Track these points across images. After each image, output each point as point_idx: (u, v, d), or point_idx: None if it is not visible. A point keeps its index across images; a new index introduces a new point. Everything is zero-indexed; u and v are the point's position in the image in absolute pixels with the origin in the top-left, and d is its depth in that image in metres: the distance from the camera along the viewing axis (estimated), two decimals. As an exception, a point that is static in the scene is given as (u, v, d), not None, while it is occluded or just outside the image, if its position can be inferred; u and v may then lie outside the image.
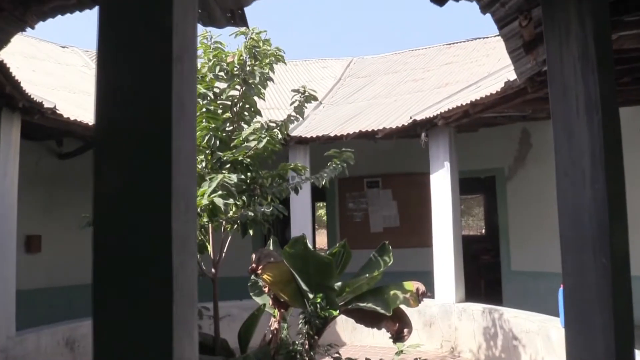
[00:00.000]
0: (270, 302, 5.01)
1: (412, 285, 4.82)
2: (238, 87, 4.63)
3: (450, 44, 12.44)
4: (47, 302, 8.09)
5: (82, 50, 11.86)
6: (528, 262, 8.77)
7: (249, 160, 4.57)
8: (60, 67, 9.71)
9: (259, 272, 4.74)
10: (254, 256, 4.91)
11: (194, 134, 1.11)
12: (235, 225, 4.50)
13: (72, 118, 5.88)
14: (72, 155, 8.29)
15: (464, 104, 6.01)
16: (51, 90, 7.64)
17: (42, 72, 8.64)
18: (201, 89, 4.11)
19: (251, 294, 5.33)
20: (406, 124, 7.00)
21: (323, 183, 5.19)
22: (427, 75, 10.38)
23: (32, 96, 5.12)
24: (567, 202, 1.92)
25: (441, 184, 7.15)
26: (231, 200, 3.99)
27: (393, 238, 10.91)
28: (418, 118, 6.88)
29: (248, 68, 4.56)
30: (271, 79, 5.01)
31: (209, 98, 4.42)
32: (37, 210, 8.08)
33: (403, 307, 4.77)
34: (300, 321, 4.41)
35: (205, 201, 3.95)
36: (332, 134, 7.62)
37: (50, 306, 7.91)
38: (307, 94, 5.22)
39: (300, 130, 8.24)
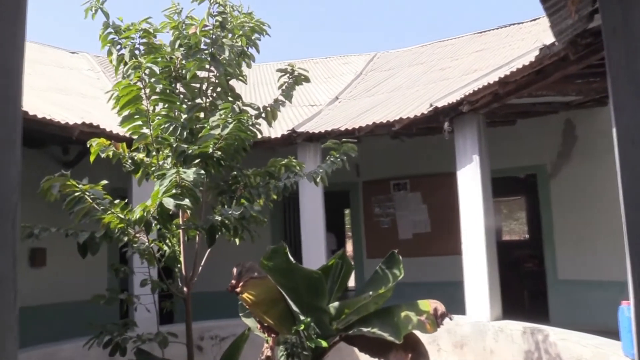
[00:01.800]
0: (259, 326, 4.15)
1: (428, 304, 3.86)
2: (207, 65, 3.81)
3: (481, 32, 11.35)
4: (52, 319, 7.55)
5: (92, 56, 11.42)
6: (578, 270, 7.60)
7: (219, 153, 3.73)
8: (61, 70, 9.21)
9: (238, 290, 3.89)
10: (235, 270, 4.06)
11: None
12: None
13: (47, 117, 5.20)
14: (75, 162, 7.73)
15: (491, 82, 5.00)
16: (39, 92, 7.06)
17: (37, 75, 8.12)
18: (152, 68, 3.31)
19: (240, 314, 4.49)
20: (426, 112, 6.02)
21: (318, 180, 4.30)
22: (454, 64, 9.35)
23: None
24: (635, 185, 1.22)
25: (469, 182, 6.13)
26: (186, 202, 3.15)
27: (424, 245, 9.96)
28: (439, 104, 5.90)
29: (217, 42, 3.73)
30: (249, 56, 4.17)
31: (165, 78, 3.61)
32: (42, 221, 7.51)
33: (418, 332, 3.81)
34: (280, 354, 3.51)
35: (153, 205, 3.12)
36: (342, 128, 6.72)
37: (44, 324, 7.30)
38: (295, 73, 4.36)
39: (309, 125, 7.38)
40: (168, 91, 3.48)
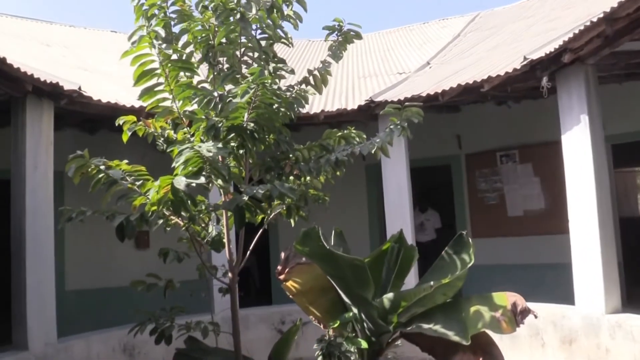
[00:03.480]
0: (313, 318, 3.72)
1: (506, 298, 3.15)
2: (236, 27, 3.38)
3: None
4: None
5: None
6: None
7: (252, 125, 3.31)
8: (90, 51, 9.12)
9: (282, 277, 3.49)
10: (282, 254, 3.67)
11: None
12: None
13: (104, 100, 5.20)
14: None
15: (595, 20, 3.99)
16: (70, 70, 7.01)
17: (71, 56, 8.19)
18: (159, 32, 2.96)
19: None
20: (518, 67, 5.08)
21: (372, 152, 3.71)
22: (566, 14, 8.00)
23: (43, 79, 4.50)
24: None
25: (577, 147, 5.10)
26: (201, 180, 2.78)
27: (537, 222, 8.75)
28: (535, 56, 4.93)
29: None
30: (291, 16, 3.66)
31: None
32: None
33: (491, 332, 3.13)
34: (317, 355, 3.04)
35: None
36: (424, 94, 5.97)
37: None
38: (344, 30, 3.78)
39: (390, 94, 6.71)
40: (184, 57, 3.14)
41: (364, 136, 4.06)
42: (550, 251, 7.93)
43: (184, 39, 3.61)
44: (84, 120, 6.21)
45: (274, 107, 3.32)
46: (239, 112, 3.21)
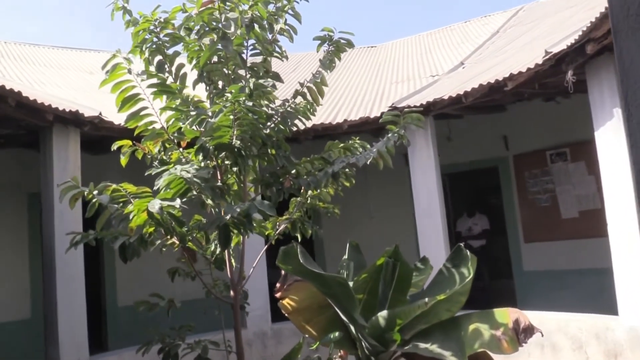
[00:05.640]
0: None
1: (507, 315, 2.93)
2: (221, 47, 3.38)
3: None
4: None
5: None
6: None
7: (239, 143, 3.29)
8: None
9: (278, 295, 3.43)
10: (283, 272, 3.61)
11: None
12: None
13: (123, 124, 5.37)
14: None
15: None
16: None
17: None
18: (130, 59, 3.01)
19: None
20: (540, 62, 4.76)
21: (367, 163, 3.59)
22: None
23: (63, 107, 4.72)
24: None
25: (612, 144, 4.70)
26: (176, 202, 2.78)
27: (594, 224, 8.17)
28: (557, 49, 4.60)
29: (220, 14, 3.28)
30: (278, 31, 3.62)
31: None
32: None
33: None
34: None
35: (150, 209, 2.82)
36: (446, 97, 5.73)
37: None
38: (334, 39, 3.69)
39: (415, 99, 6.50)
40: (179, 79, 3.16)
41: (368, 146, 3.95)
42: (609, 255, 7.38)
43: (179, 60, 3.67)
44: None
45: (260, 123, 3.28)
46: (222, 131, 3.20)
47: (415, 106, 6.09)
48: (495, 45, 8.67)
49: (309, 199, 4.10)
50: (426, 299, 2.98)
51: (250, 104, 2.99)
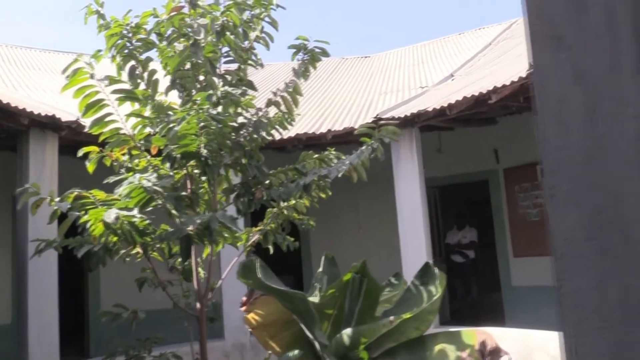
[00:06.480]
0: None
1: (474, 336, 2.84)
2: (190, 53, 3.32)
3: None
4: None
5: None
6: None
7: (206, 152, 3.22)
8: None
9: (243, 309, 3.35)
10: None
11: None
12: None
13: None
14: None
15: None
16: None
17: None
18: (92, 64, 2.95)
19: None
20: (524, 74, 4.71)
21: (339, 175, 3.51)
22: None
23: (38, 112, 4.66)
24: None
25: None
26: (134, 212, 2.71)
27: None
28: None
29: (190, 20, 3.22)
30: (254, 39, 3.56)
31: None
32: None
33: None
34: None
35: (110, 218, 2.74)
36: (430, 109, 5.68)
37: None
38: (308, 48, 3.63)
39: (399, 110, 6.45)
40: (151, 86, 3.10)
41: (344, 157, 3.88)
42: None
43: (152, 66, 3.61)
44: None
45: (228, 132, 3.21)
46: (189, 139, 3.13)
47: (394, 118, 6.05)
48: (487, 57, 8.64)
49: (284, 210, 4.04)
50: (391, 318, 2.90)
51: (215, 112, 2.92)
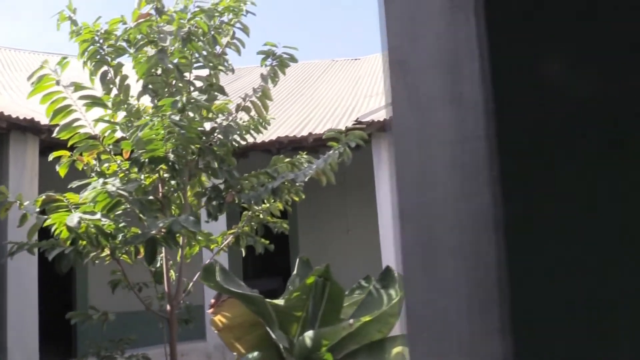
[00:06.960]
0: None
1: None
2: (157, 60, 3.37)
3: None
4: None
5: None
6: None
7: (173, 157, 3.28)
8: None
9: (210, 311, 3.40)
10: (219, 288, 3.57)
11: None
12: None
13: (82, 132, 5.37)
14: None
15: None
16: None
17: None
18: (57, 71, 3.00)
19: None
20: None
21: (305, 179, 3.58)
22: None
23: (16, 115, 4.71)
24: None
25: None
26: (96, 217, 2.76)
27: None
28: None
29: (156, 27, 3.28)
30: (226, 44, 3.62)
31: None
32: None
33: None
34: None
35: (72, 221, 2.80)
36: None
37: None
38: (277, 54, 3.69)
39: (382, 113, 6.49)
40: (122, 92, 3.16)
41: (313, 162, 3.94)
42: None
43: (125, 71, 3.67)
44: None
45: (193, 137, 3.27)
46: (155, 144, 3.18)
47: (379, 121, 6.10)
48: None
49: (260, 213, 4.10)
50: (351, 320, 2.95)
51: (178, 118, 2.97)
